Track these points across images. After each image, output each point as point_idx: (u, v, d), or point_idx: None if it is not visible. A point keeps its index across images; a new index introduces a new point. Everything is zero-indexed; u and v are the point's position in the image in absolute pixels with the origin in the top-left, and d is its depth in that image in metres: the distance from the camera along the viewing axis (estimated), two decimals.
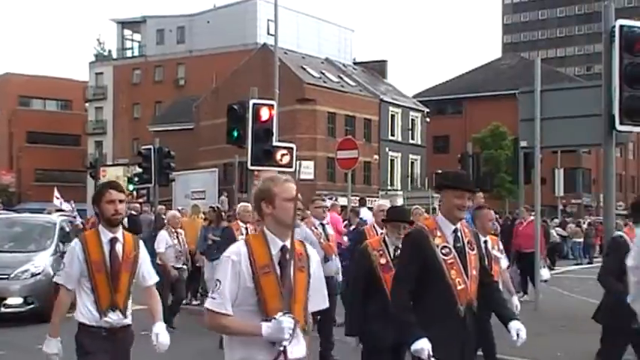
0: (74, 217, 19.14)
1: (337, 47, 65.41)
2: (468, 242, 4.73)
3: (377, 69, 65.42)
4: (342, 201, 27.27)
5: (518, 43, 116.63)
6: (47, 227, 14.16)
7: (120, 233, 5.22)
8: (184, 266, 12.85)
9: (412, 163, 61.14)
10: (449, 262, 4.61)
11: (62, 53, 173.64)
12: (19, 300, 12.32)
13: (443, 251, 4.63)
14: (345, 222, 16.26)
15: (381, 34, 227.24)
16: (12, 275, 12.42)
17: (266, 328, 3.54)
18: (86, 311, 5.09)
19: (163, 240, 12.70)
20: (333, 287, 9.28)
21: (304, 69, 54.12)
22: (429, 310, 4.59)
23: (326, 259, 8.99)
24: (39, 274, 12.55)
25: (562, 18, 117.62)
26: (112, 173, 55.50)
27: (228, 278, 3.64)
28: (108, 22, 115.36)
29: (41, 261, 12.82)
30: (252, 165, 15.16)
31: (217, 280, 3.68)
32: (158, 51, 68.69)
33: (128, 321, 5.25)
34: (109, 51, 74.59)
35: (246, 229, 10.82)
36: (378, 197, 45.73)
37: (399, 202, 35.78)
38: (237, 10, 63.39)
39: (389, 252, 6.19)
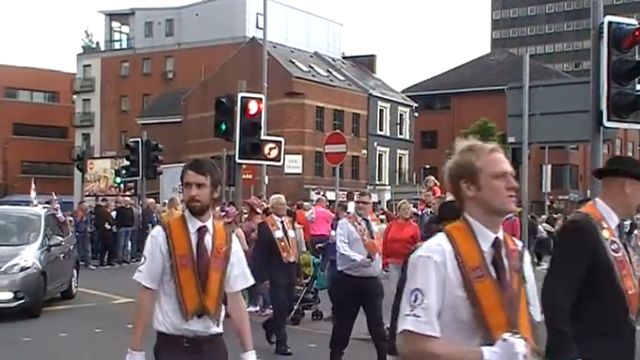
0: (55, 210, 18.94)
1: (326, 41, 65.36)
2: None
3: (366, 63, 65.45)
4: (330, 195, 27.23)
5: (507, 39, 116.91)
6: (32, 220, 13.80)
7: (210, 222, 4.30)
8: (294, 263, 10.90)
9: (400, 157, 61.22)
10: (619, 260, 3.71)
11: (49, 44, 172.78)
12: (9, 295, 11.88)
13: (612, 247, 3.74)
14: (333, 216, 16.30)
15: (371, 29, 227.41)
16: (1, 269, 12.06)
17: (491, 354, 2.64)
18: (166, 317, 4.20)
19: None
20: (381, 290, 8.83)
21: (293, 63, 54.05)
22: (591, 321, 3.70)
23: (369, 258, 8.64)
24: (28, 268, 12.20)
25: (551, 14, 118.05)
26: (99, 166, 55.34)
27: (433, 287, 2.72)
28: (96, 14, 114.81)
29: (30, 254, 12.47)
30: (239, 158, 15.14)
31: (417, 290, 2.73)
32: (146, 43, 68.41)
33: (218, 329, 4.36)
34: (97, 43, 74.31)
35: (282, 222, 10.28)
36: (355, 192, 45.68)
37: (387, 197, 35.83)
38: (226, 3, 63.18)
39: None
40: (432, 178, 15.67)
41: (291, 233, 10.35)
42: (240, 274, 4.40)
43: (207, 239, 4.22)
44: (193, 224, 4.22)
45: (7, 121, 70.08)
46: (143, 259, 4.27)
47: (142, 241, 23.01)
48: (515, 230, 12.96)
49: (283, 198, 10.91)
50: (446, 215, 5.96)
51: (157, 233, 4.25)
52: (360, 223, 8.79)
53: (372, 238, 8.81)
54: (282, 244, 10.06)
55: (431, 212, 12.22)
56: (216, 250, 4.22)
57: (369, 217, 9.02)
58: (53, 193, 23.72)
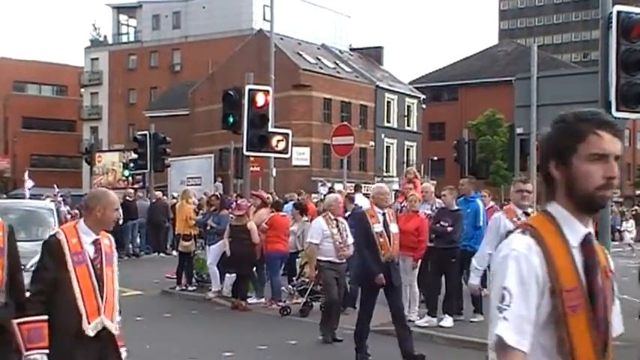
0: (59, 203, 18.89)
1: (333, 33, 65.21)
2: None
3: (373, 55, 65.30)
4: (338, 187, 27.24)
5: (515, 30, 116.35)
6: (45, 213, 13.61)
7: None
8: (344, 262, 10.43)
9: (408, 149, 61.14)
10: None
11: (58, 38, 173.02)
12: None
13: None
14: None
15: (378, 20, 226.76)
16: (28, 266, 11.83)
17: None
18: None
19: (319, 229, 10.28)
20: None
21: (300, 55, 53.99)
22: None
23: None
24: None
25: (559, 4, 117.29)
26: (107, 159, 55.47)
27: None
28: (104, 7, 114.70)
29: None
30: (247, 151, 15.14)
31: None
32: (154, 36, 68.44)
33: None
34: (105, 36, 74.33)
35: (384, 215, 9.05)
36: (373, 183, 45.70)
37: (395, 188, 35.81)
38: None
39: None
40: (413, 169, 15.35)
41: (393, 228, 9.08)
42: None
43: None
44: None
45: (16, 114, 70.37)
46: (505, 299, 2.25)
47: (152, 235, 23.15)
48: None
49: (386, 187, 9.80)
50: None
51: (524, 250, 2.31)
52: (520, 218, 7.70)
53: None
54: (382, 239, 8.88)
55: (405, 207, 11.71)
56: None
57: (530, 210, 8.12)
58: (55, 186, 23.47)
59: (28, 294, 4.60)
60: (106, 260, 4.64)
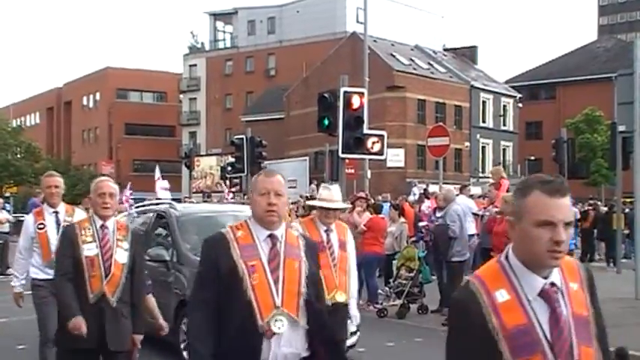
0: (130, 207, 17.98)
1: (427, 34, 64.73)
2: None
3: (467, 55, 64.54)
4: (433, 189, 27.07)
5: (615, 25, 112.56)
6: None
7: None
8: None
9: (504, 149, 60.11)
10: None
11: (158, 46, 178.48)
12: None
13: None
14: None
15: (472, 20, 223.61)
16: None
17: None
18: None
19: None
20: None
21: (394, 56, 53.88)
22: None
23: None
24: None
25: None
26: (205, 163, 56.82)
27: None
28: (201, 15, 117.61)
29: None
30: (342, 153, 15.18)
31: None
32: (249, 42, 69.67)
33: None
34: (202, 43, 76.10)
35: None
36: (469, 184, 45.17)
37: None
38: None
39: None
40: (501, 169, 14.73)
41: None
42: None
43: None
44: None
45: (120, 121, 73.09)
46: None
47: None
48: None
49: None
50: None
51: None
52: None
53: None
54: None
55: (496, 212, 11.13)
56: None
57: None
58: (129, 184, 22.39)
59: None
60: None
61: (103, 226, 5.19)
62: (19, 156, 57.38)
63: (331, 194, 6.13)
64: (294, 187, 29.18)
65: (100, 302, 5.03)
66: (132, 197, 22.46)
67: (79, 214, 6.98)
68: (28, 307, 6.91)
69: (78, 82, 79.88)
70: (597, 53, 66.18)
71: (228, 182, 43.51)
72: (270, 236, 3.52)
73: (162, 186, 22.34)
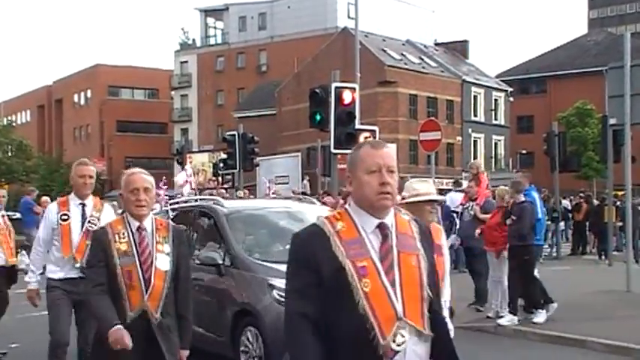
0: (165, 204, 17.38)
1: (418, 28, 64.75)
2: None
3: (458, 49, 64.61)
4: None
5: (605, 18, 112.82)
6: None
7: None
8: None
9: (496, 143, 60.25)
10: None
11: (149, 43, 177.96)
12: None
13: None
14: None
15: (462, 14, 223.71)
16: None
17: None
18: None
19: None
20: None
21: (385, 51, 53.90)
22: None
23: None
24: None
25: None
26: (197, 160, 56.70)
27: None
28: (192, 11, 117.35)
29: None
30: (335, 148, 15.15)
31: None
32: (240, 38, 69.57)
33: None
34: (193, 39, 75.94)
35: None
36: (462, 179, 45.26)
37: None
38: None
39: None
40: (478, 163, 14.47)
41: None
42: None
43: None
44: None
45: (111, 118, 72.90)
46: None
47: None
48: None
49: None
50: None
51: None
52: None
53: None
54: None
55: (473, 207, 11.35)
56: None
57: None
58: (163, 178, 21.16)
59: None
60: None
61: (139, 229, 4.31)
62: (10, 154, 57.27)
63: (429, 186, 5.02)
64: (287, 184, 29.15)
65: (141, 319, 4.15)
66: (166, 194, 20.84)
67: (108, 210, 6.45)
68: (20, 305, 6.74)
69: (68, 80, 79.59)
70: (588, 47, 66.32)
71: (220, 178, 43.54)
72: (380, 226, 2.83)
73: (181, 180, 20.41)
